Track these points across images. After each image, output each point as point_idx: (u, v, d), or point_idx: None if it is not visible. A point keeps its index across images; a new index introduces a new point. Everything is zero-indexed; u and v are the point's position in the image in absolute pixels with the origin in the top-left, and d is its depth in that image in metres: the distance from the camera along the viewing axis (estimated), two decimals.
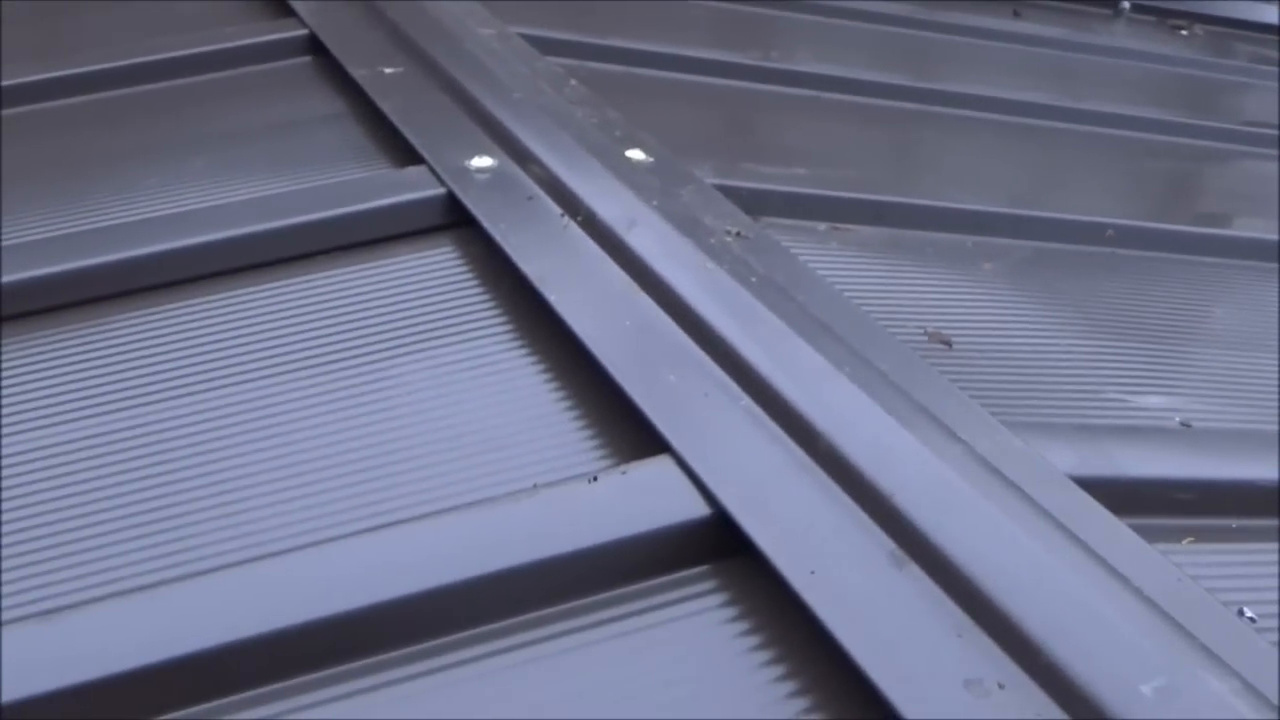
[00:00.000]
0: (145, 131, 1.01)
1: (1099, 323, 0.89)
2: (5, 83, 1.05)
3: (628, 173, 0.84)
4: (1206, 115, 1.61)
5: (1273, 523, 0.68)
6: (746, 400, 0.63)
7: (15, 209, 0.87)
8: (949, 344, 0.80)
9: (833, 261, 0.87)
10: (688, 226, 0.78)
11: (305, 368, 0.69)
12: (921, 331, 0.81)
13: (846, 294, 0.82)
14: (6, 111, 1.03)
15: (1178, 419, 0.77)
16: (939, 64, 1.62)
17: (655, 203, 0.80)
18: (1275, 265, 1.06)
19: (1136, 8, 2.13)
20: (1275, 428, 0.79)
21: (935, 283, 0.89)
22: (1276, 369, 0.86)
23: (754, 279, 0.72)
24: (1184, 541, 0.64)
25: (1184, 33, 2.10)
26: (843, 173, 1.06)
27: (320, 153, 0.95)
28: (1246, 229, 1.20)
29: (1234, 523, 0.67)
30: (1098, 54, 1.83)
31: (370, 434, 0.64)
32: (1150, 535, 0.59)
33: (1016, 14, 1.98)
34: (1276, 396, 0.83)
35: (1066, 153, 1.33)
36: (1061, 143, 1.34)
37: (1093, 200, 1.21)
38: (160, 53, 1.09)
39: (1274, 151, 1.48)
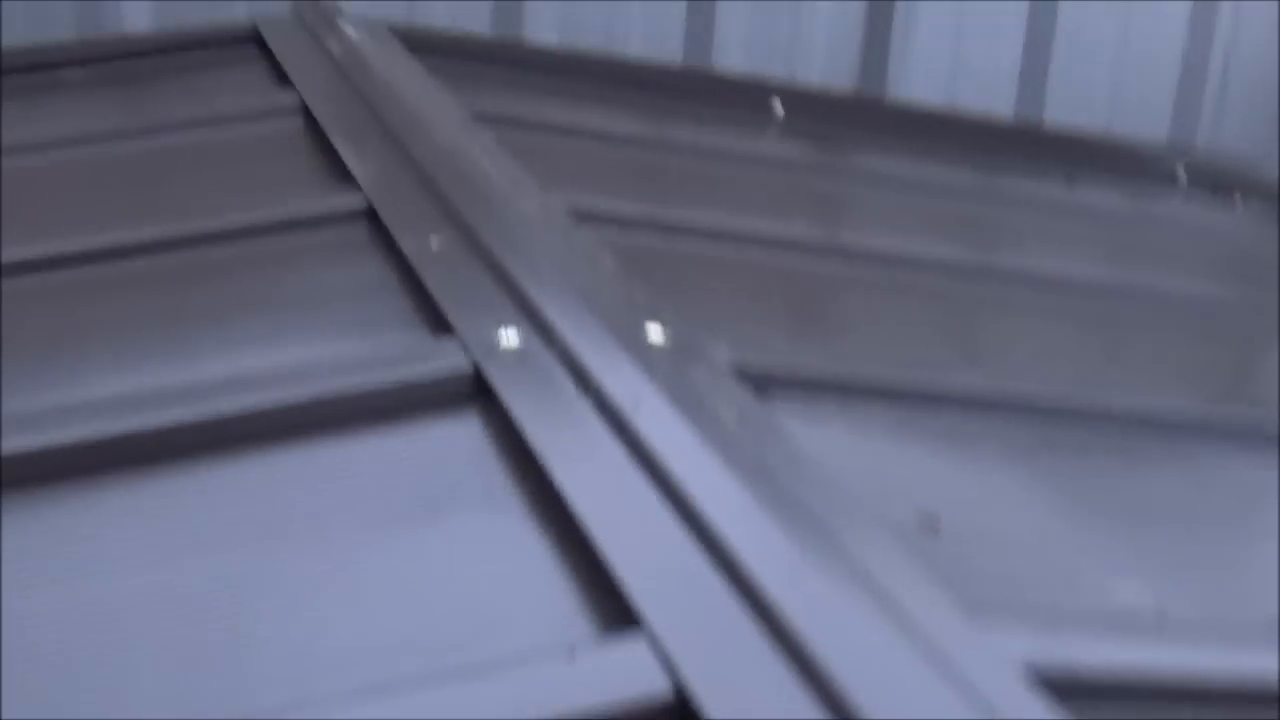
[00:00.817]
0: (202, 297, 1.09)
1: (1101, 510, 0.93)
2: (71, 248, 1.13)
3: (642, 351, 0.90)
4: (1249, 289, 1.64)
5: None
6: (718, 579, 0.68)
7: (75, 366, 0.95)
8: (937, 526, 0.84)
9: (837, 442, 0.92)
10: (690, 408, 0.83)
11: (301, 537, 0.75)
12: (913, 512, 0.85)
13: (844, 475, 0.87)
14: (71, 275, 1.12)
15: (1154, 609, 0.80)
16: (987, 237, 1.67)
17: (662, 384, 0.85)
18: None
19: (1191, 175, 2.17)
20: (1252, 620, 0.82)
21: (934, 463, 0.93)
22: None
23: (746, 463, 0.77)
24: None
25: (1237, 203, 2.13)
26: (865, 352, 1.11)
27: (363, 321, 1.02)
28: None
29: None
30: (1150, 227, 1.88)
31: (366, 601, 0.69)
32: None
33: (1070, 181, 2.02)
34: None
35: (1108, 333, 1.37)
36: (1105, 322, 1.38)
37: (1137, 380, 1.24)
38: (224, 219, 1.17)
39: None
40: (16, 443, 0.81)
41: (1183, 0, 2.37)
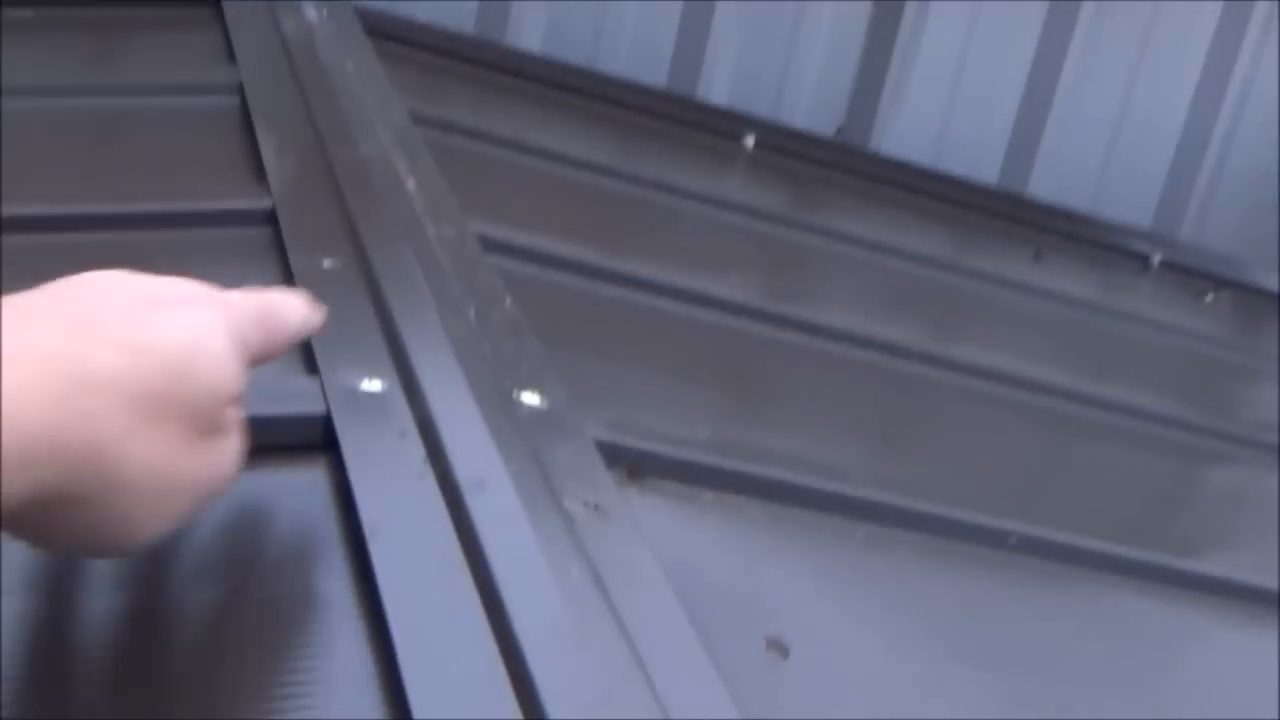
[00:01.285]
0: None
1: (967, 648, 0.87)
2: None
3: (506, 423, 0.84)
4: (1212, 411, 1.59)
5: None
6: (517, 714, 0.62)
7: None
8: (786, 654, 0.78)
9: (698, 540, 0.86)
10: (537, 496, 0.77)
11: None
12: (763, 636, 0.79)
13: (694, 581, 0.81)
14: None
15: None
16: (940, 314, 1.61)
17: (515, 465, 0.79)
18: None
19: (1164, 265, 2.11)
20: None
21: (803, 576, 0.87)
22: None
23: (575, 571, 0.71)
24: None
25: (1209, 298, 2.08)
26: (756, 437, 1.06)
27: None
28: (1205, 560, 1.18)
29: None
30: (1112, 317, 1.82)
31: None
32: None
33: (1038, 258, 1.97)
34: None
35: (1040, 440, 1.32)
36: (1041, 425, 1.32)
37: (1052, 499, 1.19)
38: (119, 202, 1.11)
39: (1273, 461, 1.46)
40: None
41: (1186, 87, 2.30)
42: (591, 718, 0.62)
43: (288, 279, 1.02)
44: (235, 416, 0.65)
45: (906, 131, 2.21)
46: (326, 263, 1.02)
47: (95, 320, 0.57)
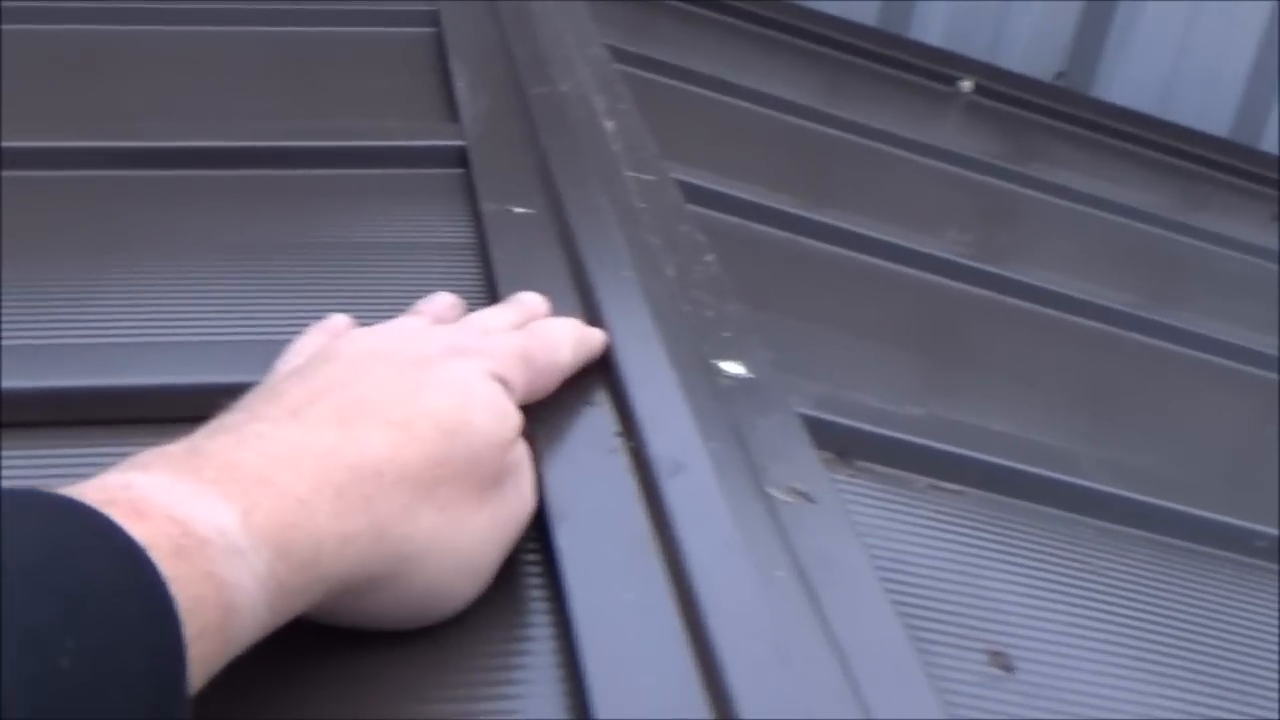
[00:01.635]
0: (267, 223, 0.98)
1: (1217, 669, 0.78)
2: (147, 144, 1.03)
3: (706, 395, 0.77)
4: None
5: None
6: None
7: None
8: (1010, 670, 0.70)
9: (914, 532, 0.78)
10: (739, 481, 0.70)
11: None
12: (984, 647, 0.71)
13: (909, 582, 0.73)
14: (144, 173, 1.02)
15: None
16: (1166, 279, 1.50)
17: (715, 444, 0.72)
18: None
19: None
20: None
21: (1028, 578, 0.79)
22: None
23: (780, 571, 0.64)
24: None
25: None
26: (974, 415, 0.97)
27: (418, 287, 0.90)
28: None
29: None
30: None
31: None
32: None
33: (1278, 218, 1.83)
34: None
35: None
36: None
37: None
38: (306, 139, 1.06)
39: None
40: None
41: None
42: None
43: (476, 223, 0.96)
44: (520, 453, 0.64)
45: (1132, 77, 2.07)
46: (517, 209, 0.95)
47: (364, 404, 0.58)
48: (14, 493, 0.45)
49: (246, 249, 0.93)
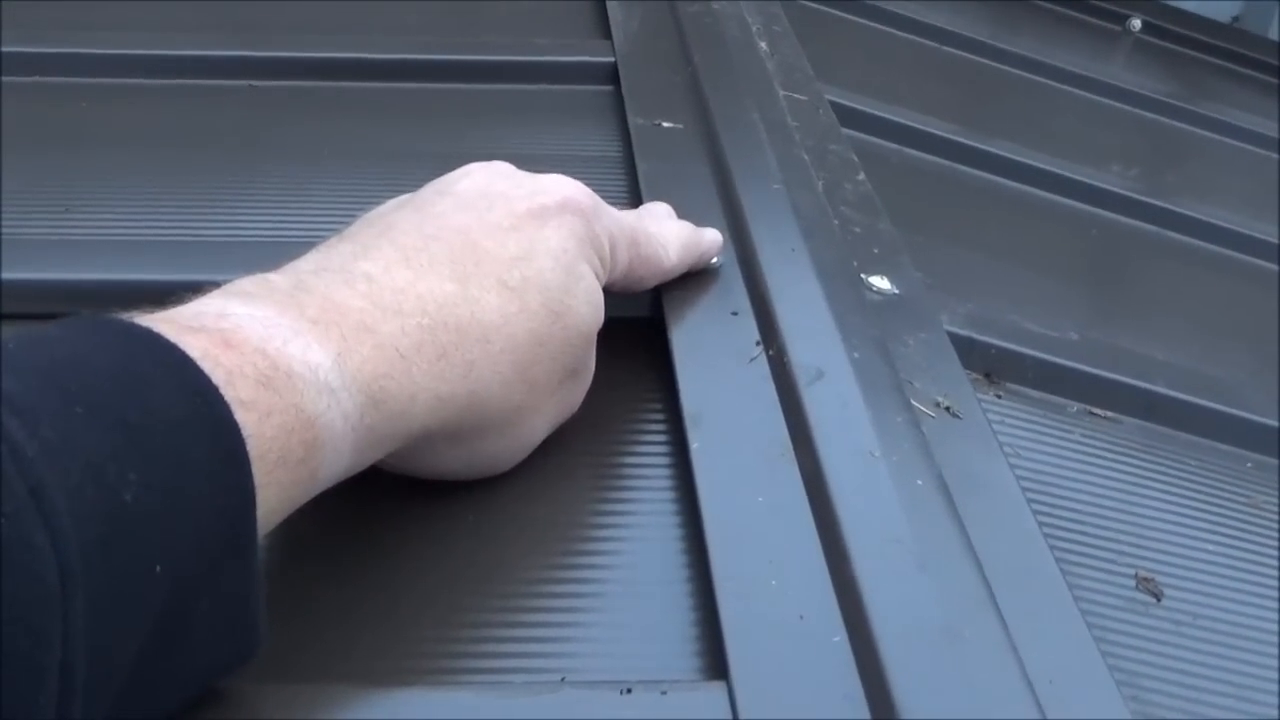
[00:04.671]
0: (417, 134, 0.98)
1: None
2: (304, 54, 1.04)
3: (851, 307, 0.75)
4: None
5: None
6: (841, 637, 0.53)
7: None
8: (1158, 597, 0.67)
9: (1063, 456, 0.76)
10: (882, 391, 0.68)
11: None
12: (1132, 572, 0.68)
13: (1055, 504, 0.71)
14: (296, 84, 1.02)
15: None
16: None
17: (858, 354, 0.70)
18: None
19: None
20: None
21: (1181, 508, 0.76)
22: None
23: (921, 481, 0.62)
24: None
25: None
26: (1130, 344, 0.93)
27: None
28: None
29: None
30: None
31: None
32: None
33: None
34: None
35: None
36: None
37: None
38: (458, 54, 1.05)
39: None
40: None
41: None
42: (931, 649, 0.53)
43: (624, 138, 0.95)
44: (592, 353, 0.63)
45: None
46: (666, 123, 0.94)
47: (479, 255, 0.57)
48: (90, 320, 0.44)
49: (395, 157, 0.93)
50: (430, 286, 0.54)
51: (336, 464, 0.49)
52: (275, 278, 0.52)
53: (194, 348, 0.44)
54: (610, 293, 0.65)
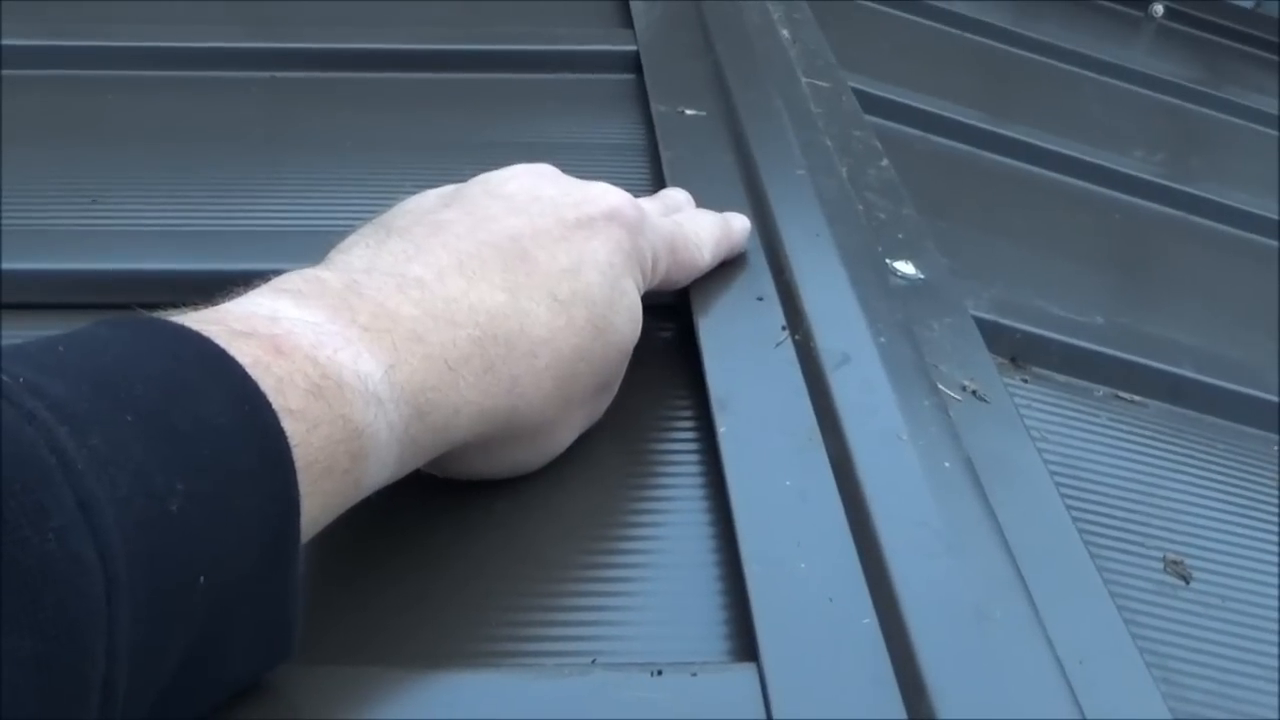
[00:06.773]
0: (439, 123, 0.98)
1: None
2: (327, 46, 1.04)
3: (876, 291, 0.75)
4: None
5: None
6: (870, 620, 0.54)
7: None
8: (1187, 580, 0.67)
9: (1090, 440, 0.76)
10: (908, 375, 0.68)
11: None
12: (1160, 555, 0.68)
13: (1082, 487, 0.71)
14: (317, 75, 1.03)
15: None
16: None
17: (884, 339, 0.70)
18: None
19: None
20: None
21: (1209, 491, 0.75)
22: None
23: (948, 463, 0.62)
24: None
25: None
26: (1156, 328, 0.93)
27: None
28: None
29: None
30: None
31: None
32: None
33: None
34: None
35: None
36: None
37: None
38: (480, 44, 1.05)
39: None
40: None
41: None
42: (961, 631, 0.53)
43: (648, 125, 0.95)
44: (625, 366, 0.64)
45: None
46: (689, 110, 0.94)
47: (531, 266, 0.57)
48: (140, 322, 0.43)
49: (419, 147, 0.93)
50: (482, 296, 0.54)
51: (380, 474, 0.50)
52: (327, 275, 0.52)
53: (245, 354, 0.43)
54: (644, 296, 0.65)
